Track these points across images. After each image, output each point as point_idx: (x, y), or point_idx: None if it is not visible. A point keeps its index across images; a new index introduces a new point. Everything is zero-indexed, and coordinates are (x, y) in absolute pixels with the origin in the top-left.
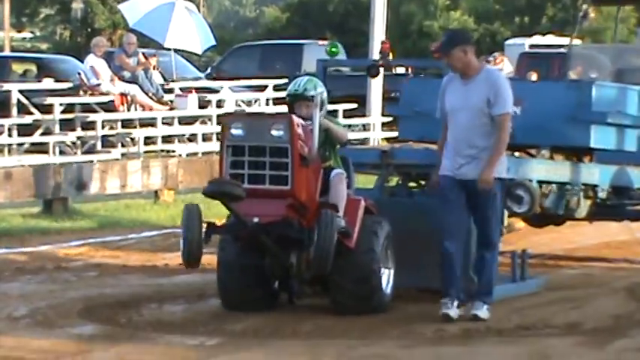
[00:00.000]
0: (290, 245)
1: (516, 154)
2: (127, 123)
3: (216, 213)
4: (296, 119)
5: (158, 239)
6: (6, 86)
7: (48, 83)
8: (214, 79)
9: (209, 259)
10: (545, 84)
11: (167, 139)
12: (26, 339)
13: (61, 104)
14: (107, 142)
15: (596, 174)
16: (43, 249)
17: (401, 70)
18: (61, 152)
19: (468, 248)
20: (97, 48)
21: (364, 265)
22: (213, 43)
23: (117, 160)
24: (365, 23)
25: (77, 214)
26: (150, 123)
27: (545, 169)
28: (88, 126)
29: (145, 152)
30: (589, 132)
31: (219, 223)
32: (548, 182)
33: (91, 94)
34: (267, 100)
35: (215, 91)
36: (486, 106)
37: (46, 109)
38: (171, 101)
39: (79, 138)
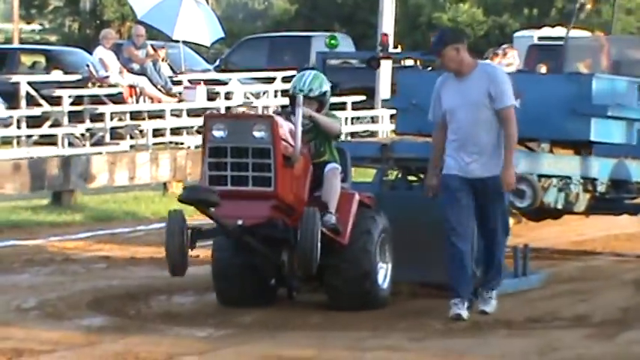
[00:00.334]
0: (279, 244)
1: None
2: (135, 115)
3: None
4: (279, 120)
5: None
6: (15, 78)
7: (57, 75)
8: (223, 71)
9: None
10: (545, 77)
11: (176, 131)
12: (35, 330)
13: (69, 96)
14: (116, 134)
15: (596, 167)
16: (52, 241)
17: (409, 62)
18: (70, 144)
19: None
20: (105, 40)
21: (358, 263)
22: (222, 35)
23: (125, 152)
24: (373, 15)
25: (86, 206)
26: (158, 115)
27: (546, 163)
28: (97, 118)
29: (154, 144)
30: (589, 125)
31: (204, 227)
32: (548, 176)
33: (99, 86)
34: (276, 92)
35: (224, 83)
36: (488, 100)
37: (55, 101)
38: (180, 93)
39: (87, 130)
